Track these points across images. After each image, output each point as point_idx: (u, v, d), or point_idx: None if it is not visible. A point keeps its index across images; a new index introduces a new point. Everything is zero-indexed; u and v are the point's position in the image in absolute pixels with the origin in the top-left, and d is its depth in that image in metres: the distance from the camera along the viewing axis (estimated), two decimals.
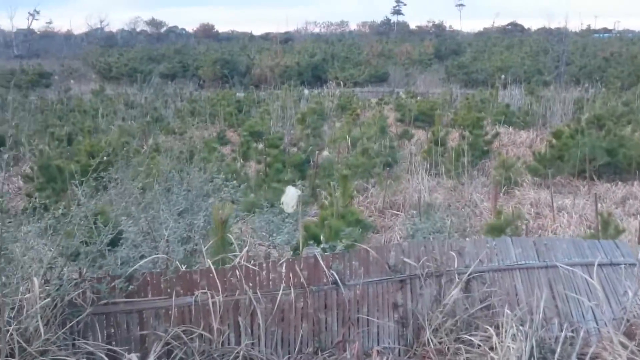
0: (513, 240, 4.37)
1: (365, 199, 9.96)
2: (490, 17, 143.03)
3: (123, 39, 51.70)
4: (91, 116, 16.60)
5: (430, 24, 67.25)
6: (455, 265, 4.00)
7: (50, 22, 58.62)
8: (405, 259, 3.88)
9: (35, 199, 4.73)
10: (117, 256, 3.54)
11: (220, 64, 29.44)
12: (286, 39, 55.51)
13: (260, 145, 13.06)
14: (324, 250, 3.81)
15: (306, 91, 22.12)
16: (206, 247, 3.72)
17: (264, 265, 3.52)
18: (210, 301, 3.33)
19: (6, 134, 14.65)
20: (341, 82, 25.07)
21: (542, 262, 4.29)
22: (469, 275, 3.99)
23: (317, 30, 66.70)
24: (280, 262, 3.51)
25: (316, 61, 30.86)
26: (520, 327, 3.50)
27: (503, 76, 25.03)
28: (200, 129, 17.44)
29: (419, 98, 21.57)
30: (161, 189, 4.93)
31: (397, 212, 9.22)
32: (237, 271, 3.43)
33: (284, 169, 10.61)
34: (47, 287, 2.98)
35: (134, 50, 37.08)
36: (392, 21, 69.63)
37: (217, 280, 3.35)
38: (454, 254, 4.01)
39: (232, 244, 3.77)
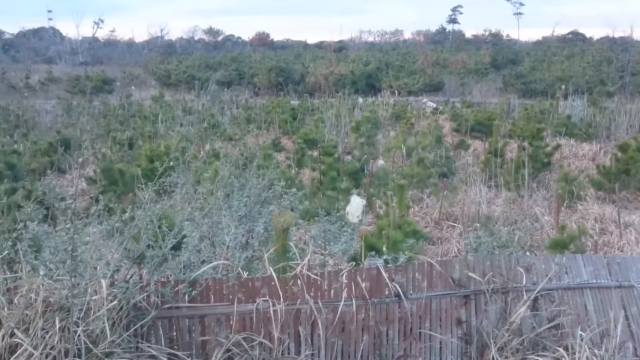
0: (584, 257, 4.17)
1: (421, 209, 9.82)
2: (550, 26, 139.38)
3: (182, 47, 53.05)
4: (151, 121, 17.03)
5: (487, 33, 66.16)
6: (523, 282, 3.85)
7: (113, 31, 60.85)
8: (470, 274, 3.75)
9: (99, 201, 4.85)
10: (179, 260, 3.56)
11: (276, 72, 29.72)
12: (340, 47, 55.66)
13: (315, 153, 13.08)
14: (385, 261, 3.73)
15: (360, 99, 22.06)
16: (267, 255, 3.70)
17: (326, 275, 3.47)
18: (271, 309, 3.30)
19: (72, 137, 15.20)
20: (396, 91, 24.89)
21: (615, 282, 4.08)
22: (537, 292, 3.83)
23: (371, 39, 66.66)
24: (342, 272, 3.46)
25: (370, 70, 30.75)
26: (596, 351, 3.32)
27: (563, 86, 24.26)
28: (255, 135, 17.63)
29: (475, 108, 21.18)
30: (222, 195, 4.97)
31: (454, 224, 9.04)
32: (298, 280, 3.39)
33: (338, 177, 10.58)
34: (113, 290, 3.03)
35: (191, 58, 37.92)
36: (447, 30, 68.90)
37: (279, 289, 3.32)
38: (521, 270, 3.86)
39: (292, 252, 3.74)
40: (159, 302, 3.20)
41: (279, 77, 29.54)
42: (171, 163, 12.30)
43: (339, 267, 5.12)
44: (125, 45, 54.21)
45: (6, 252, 3.04)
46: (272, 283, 3.33)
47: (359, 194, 4.76)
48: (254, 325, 3.36)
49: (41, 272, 2.98)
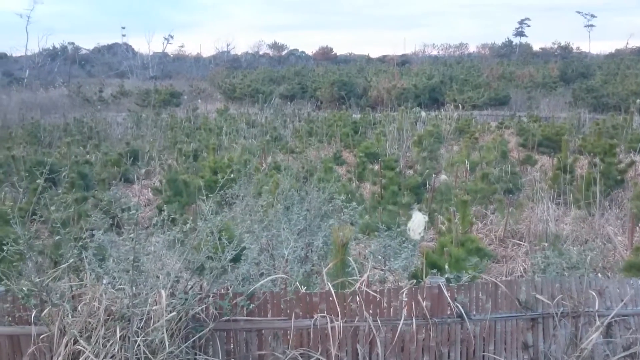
0: None
1: (485, 226, 9.54)
2: (623, 38, 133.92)
3: (247, 61, 54.20)
4: (216, 134, 17.41)
5: (556, 46, 64.22)
6: (596, 307, 3.62)
7: (182, 46, 63.04)
8: (538, 296, 3.57)
9: (163, 211, 4.94)
10: (238, 273, 3.56)
11: (338, 85, 29.84)
12: (403, 61, 55.41)
13: (376, 167, 12.99)
14: (448, 280, 3.61)
15: (423, 113, 21.79)
16: (325, 269, 3.64)
17: (385, 292, 3.38)
18: (329, 325, 3.24)
19: (142, 149, 15.73)
20: (460, 105, 24.46)
21: None
22: (611, 318, 3.60)
23: (435, 52, 65.97)
24: (402, 290, 3.36)
25: (433, 83, 30.38)
26: None
27: (638, 100, 23.16)
28: (316, 149, 17.72)
29: (542, 122, 20.50)
30: (282, 208, 4.96)
31: (520, 242, 8.72)
32: (357, 296, 3.32)
33: (399, 191, 10.44)
34: (173, 300, 3.05)
35: (256, 72, 38.64)
36: (514, 43, 67.31)
37: (337, 305, 3.26)
38: (593, 293, 3.64)
39: (351, 267, 3.67)
40: (217, 314, 3.20)
41: (341, 91, 29.64)
42: (232, 175, 12.51)
43: (399, 284, 5.00)
44: (193, 60, 55.92)
45: (72, 259, 3.12)
46: (331, 299, 3.27)
47: (420, 210, 4.64)
48: (312, 341, 3.30)
49: (104, 281, 3.05)
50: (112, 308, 2.97)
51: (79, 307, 2.97)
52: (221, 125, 20.18)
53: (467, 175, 12.54)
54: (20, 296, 3.09)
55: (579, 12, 71.93)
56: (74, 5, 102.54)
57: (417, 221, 3.90)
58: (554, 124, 19.03)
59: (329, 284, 3.36)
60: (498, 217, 9.62)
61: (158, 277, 3.07)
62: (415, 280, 4.28)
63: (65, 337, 2.93)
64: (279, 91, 30.78)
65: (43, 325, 3.11)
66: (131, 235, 2.97)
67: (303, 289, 3.38)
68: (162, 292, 2.99)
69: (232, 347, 3.31)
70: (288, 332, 3.28)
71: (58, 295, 3.00)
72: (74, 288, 3.12)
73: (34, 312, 3.12)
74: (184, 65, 52.56)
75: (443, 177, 11.07)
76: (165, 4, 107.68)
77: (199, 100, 28.62)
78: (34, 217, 9.96)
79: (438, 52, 66.28)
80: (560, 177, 11.29)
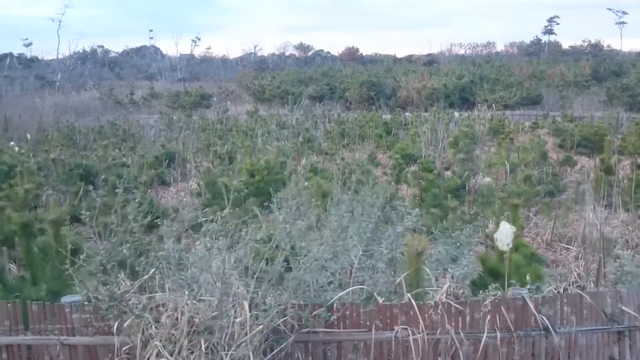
0: None
1: (530, 230, 9.36)
2: None
3: (273, 62, 54.36)
4: (249, 136, 17.42)
5: (586, 44, 63.09)
6: None
7: (209, 48, 63.51)
8: (624, 308, 3.43)
9: (205, 214, 4.89)
10: (314, 283, 3.49)
11: (367, 86, 29.70)
12: (430, 61, 55.01)
13: (412, 168, 12.86)
14: (529, 291, 3.49)
15: (456, 114, 21.56)
16: (397, 280, 3.55)
17: (468, 303, 3.28)
18: (410, 338, 3.15)
19: (176, 151, 15.82)
20: (493, 105, 24.15)
21: None
22: None
23: (462, 51, 65.23)
24: (486, 301, 3.25)
25: (463, 83, 30.05)
26: None
27: None
28: (349, 150, 17.64)
29: (577, 122, 20.12)
30: (334, 212, 4.87)
31: (568, 246, 8.53)
32: (439, 308, 3.22)
33: (440, 193, 10.31)
34: (255, 312, 2.99)
35: (284, 73, 38.70)
36: (542, 41, 66.33)
37: (419, 317, 3.17)
38: None
39: (426, 277, 3.57)
40: (297, 325, 3.14)
41: (370, 92, 29.51)
42: (270, 177, 12.45)
43: (462, 293, 4.88)
44: (220, 62, 56.27)
45: (153, 270, 3.09)
46: (411, 310, 3.19)
47: (508, 222, 4.50)
48: (393, 354, 3.22)
49: (186, 292, 3.01)
50: (195, 320, 2.93)
51: (163, 319, 2.94)
52: (252, 126, 20.21)
53: (506, 177, 12.35)
54: (103, 307, 3.07)
55: (610, 9, 70.43)
56: (103, 9, 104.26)
57: (505, 232, 3.78)
58: (592, 123, 18.66)
59: (409, 295, 3.28)
60: (543, 221, 9.43)
61: (239, 287, 3.02)
62: (481, 290, 4.14)
63: (148, 348, 2.90)
64: (307, 92, 30.74)
65: (124, 336, 3.08)
66: (216, 246, 2.93)
67: (381, 300, 3.31)
68: (245, 303, 2.94)
69: (310, 359, 3.25)
70: (368, 344, 3.20)
71: (141, 306, 2.97)
72: (152, 300, 3.09)
73: (116, 323, 3.09)
74: (211, 67, 52.90)
75: (487, 179, 10.87)
76: (192, 7, 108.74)
77: (229, 102, 28.73)
78: (77, 221, 10.01)
79: (465, 51, 65.59)
80: (603, 178, 11.04)
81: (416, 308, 3.18)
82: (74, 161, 13.48)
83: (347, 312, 3.23)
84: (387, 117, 23.25)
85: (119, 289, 2.98)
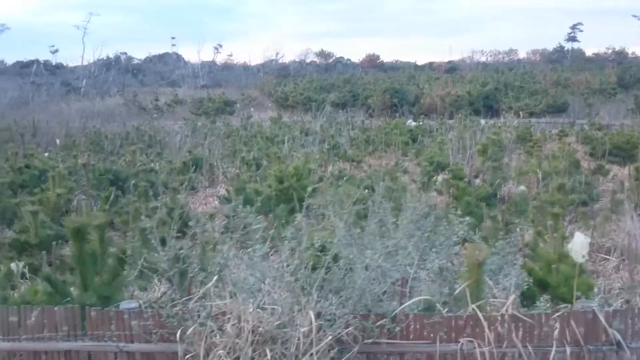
0: None
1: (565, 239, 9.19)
2: None
3: (294, 69, 54.54)
4: (275, 142, 17.42)
5: (610, 51, 62.33)
6: None
7: (230, 55, 63.87)
8: None
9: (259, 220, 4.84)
10: (376, 293, 3.43)
11: (390, 93, 29.63)
12: (451, 68, 54.74)
13: (440, 176, 12.76)
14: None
15: (482, 121, 21.40)
16: (457, 290, 3.47)
17: (536, 316, 3.18)
18: (477, 351, 3.07)
19: (203, 157, 15.89)
20: (520, 113, 23.92)
21: None
22: None
23: (483, 59, 64.75)
24: (554, 314, 3.16)
25: (487, 90, 29.84)
26: None
27: None
28: (376, 157, 17.58)
29: (605, 130, 19.84)
30: (376, 222, 4.79)
31: (607, 257, 8.36)
32: (505, 320, 3.14)
33: (472, 201, 10.19)
34: (320, 322, 2.94)
35: (305, 80, 38.78)
36: (565, 48, 65.69)
37: (486, 329, 3.09)
38: None
39: (486, 287, 3.49)
40: (360, 336, 3.08)
41: (393, 99, 29.42)
42: (301, 183, 12.39)
43: (510, 304, 4.77)
44: (241, 69, 56.57)
45: (215, 277, 3.05)
46: (477, 322, 3.11)
47: (582, 231, 4.39)
48: None
49: (251, 301, 2.97)
50: (259, 329, 2.89)
51: (228, 327, 2.90)
52: (276, 133, 20.24)
53: (537, 186, 12.19)
54: (164, 314, 3.04)
55: (634, 16, 69.46)
56: (126, 16, 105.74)
57: (580, 243, 3.68)
58: (624, 131, 18.36)
59: (473, 306, 3.20)
60: (579, 230, 9.27)
61: (302, 296, 2.97)
62: (567, 305, 3.97)
63: (210, 357, 2.86)
64: (330, 99, 30.76)
65: (186, 344, 3.04)
66: (293, 256, 2.89)
67: (444, 311, 3.23)
68: (311, 313, 2.89)
69: None
70: (432, 356, 3.13)
71: (204, 314, 2.94)
72: (214, 307, 3.05)
73: (179, 331, 3.06)
74: (232, 73, 53.20)
75: (522, 187, 10.72)
76: (213, 14, 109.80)
77: (252, 109, 28.84)
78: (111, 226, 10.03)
79: (487, 58, 65.10)
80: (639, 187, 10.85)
81: (483, 320, 3.10)
82: (103, 166, 13.58)
83: (411, 323, 3.16)
84: (413, 124, 23.15)
85: (181, 296, 2.94)
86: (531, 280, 5.16)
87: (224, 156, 16.76)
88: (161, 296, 4.27)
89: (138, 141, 19.33)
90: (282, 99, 31.87)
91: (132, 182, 12.91)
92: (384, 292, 3.70)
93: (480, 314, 3.10)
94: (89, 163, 13.65)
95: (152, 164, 15.32)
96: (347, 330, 2.99)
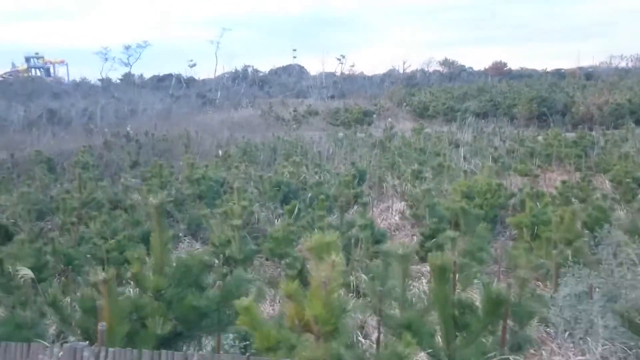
0: None
1: None
2: None
3: (420, 78, 53.40)
4: (443, 155, 16.45)
5: None
6: None
7: (353, 65, 63.88)
8: None
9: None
10: None
11: (537, 102, 27.78)
12: (587, 74, 51.08)
13: None
14: None
15: None
16: None
17: None
18: None
19: (365, 169, 15.33)
20: None
21: None
22: None
23: (622, 64, 59.63)
24: None
25: None
26: None
27: None
28: (548, 171, 16.25)
29: None
30: None
31: None
32: None
33: None
34: None
35: (441, 89, 37.58)
36: None
37: None
38: None
39: None
40: None
41: (541, 108, 27.55)
42: (501, 201, 11.33)
43: None
44: (364, 79, 56.28)
45: None
46: None
47: None
48: None
49: None
50: None
51: None
52: (423, 144, 19.29)
53: None
54: None
55: None
56: (250, 30, 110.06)
57: None
58: None
59: None
60: None
61: None
62: None
63: None
64: (471, 108, 29.39)
65: None
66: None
67: None
68: None
69: None
70: None
71: None
72: None
73: None
74: (355, 83, 52.96)
75: None
76: (333, 26, 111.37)
77: (390, 119, 28.10)
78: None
79: (627, 63, 59.92)
80: None
81: None
82: (275, 178, 13.33)
83: None
84: (572, 135, 21.34)
85: None
86: None
87: (385, 168, 16.06)
88: None
89: (288, 152, 19.11)
90: (420, 108, 30.89)
91: (309, 194, 12.54)
92: None
93: None
94: (265, 175, 13.46)
95: (316, 176, 14.94)
96: None
